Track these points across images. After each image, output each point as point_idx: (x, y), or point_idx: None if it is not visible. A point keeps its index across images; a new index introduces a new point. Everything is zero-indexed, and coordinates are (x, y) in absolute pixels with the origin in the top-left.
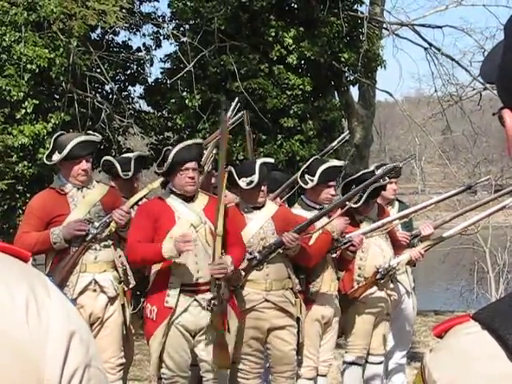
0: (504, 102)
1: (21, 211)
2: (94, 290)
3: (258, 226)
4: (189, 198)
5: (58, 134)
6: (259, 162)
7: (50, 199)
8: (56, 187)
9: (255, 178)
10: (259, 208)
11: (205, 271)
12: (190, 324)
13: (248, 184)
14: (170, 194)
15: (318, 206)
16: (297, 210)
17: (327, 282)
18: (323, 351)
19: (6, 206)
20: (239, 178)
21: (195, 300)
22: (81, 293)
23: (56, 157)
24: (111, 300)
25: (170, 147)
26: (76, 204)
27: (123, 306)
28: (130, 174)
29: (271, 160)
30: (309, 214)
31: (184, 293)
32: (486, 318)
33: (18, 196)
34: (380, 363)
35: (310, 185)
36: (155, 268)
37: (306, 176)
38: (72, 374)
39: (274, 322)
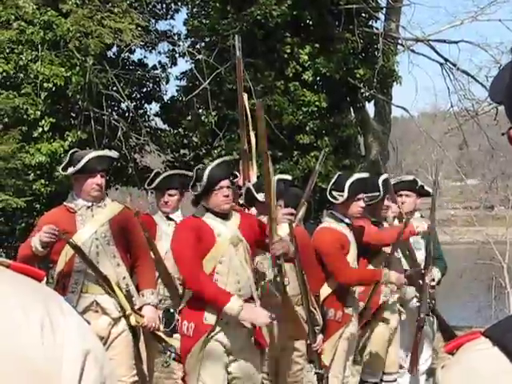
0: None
1: None
2: (96, 311)
3: None
4: (224, 216)
5: (73, 150)
6: (276, 177)
7: (59, 217)
8: (67, 205)
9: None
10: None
11: (245, 289)
12: (228, 341)
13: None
14: (205, 212)
15: (346, 220)
16: (329, 223)
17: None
18: (347, 368)
19: (23, 224)
20: (257, 193)
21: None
22: (82, 313)
23: (71, 169)
24: (116, 320)
25: (200, 166)
26: (84, 223)
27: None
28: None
29: (288, 177)
30: (340, 227)
31: None
32: (496, 335)
33: (35, 214)
34: (394, 381)
35: (341, 200)
36: None
37: (334, 192)
38: None
39: (286, 344)
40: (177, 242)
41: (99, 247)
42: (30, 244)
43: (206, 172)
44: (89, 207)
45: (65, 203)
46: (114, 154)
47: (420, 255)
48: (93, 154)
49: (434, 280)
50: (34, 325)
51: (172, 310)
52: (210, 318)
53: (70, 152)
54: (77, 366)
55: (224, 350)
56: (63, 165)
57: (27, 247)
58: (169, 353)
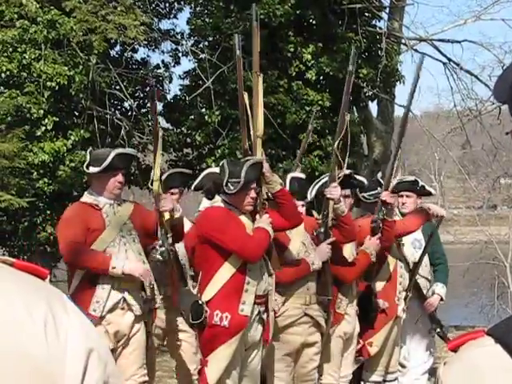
0: None
1: (41, 228)
2: (122, 308)
3: (299, 241)
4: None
5: (89, 150)
6: (290, 175)
7: (85, 212)
8: (88, 202)
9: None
10: None
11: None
12: (249, 336)
13: None
14: (228, 205)
15: None
16: None
17: (349, 300)
18: (343, 366)
19: (26, 223)
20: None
21: (259, 312)
22: (111, 310)
23: (95, 168)
24: (137, 318)
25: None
26: (110, 220)
27: (146, 323)
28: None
29: (302, 175)
30: None
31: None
32: (499, 333)
33: (38, 213)
34: (395, 380)
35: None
36: (224, 274)
37: None
38: None
39: (307, 339)
40: (223, 233)
41: (127, 245)
42: (107, 261)
43: (243, 172)
44: (111, 205)
45: (86, 200)
46: (134, 151)
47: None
48: (115, 152)
49: (442, 300)
50: (38, 323)
51: (200, 302)
52: (246, 309)
53: (89, 150)
54: (80, 364)
55: (244, 344)
56: (85, 164)
57: (103, 263)
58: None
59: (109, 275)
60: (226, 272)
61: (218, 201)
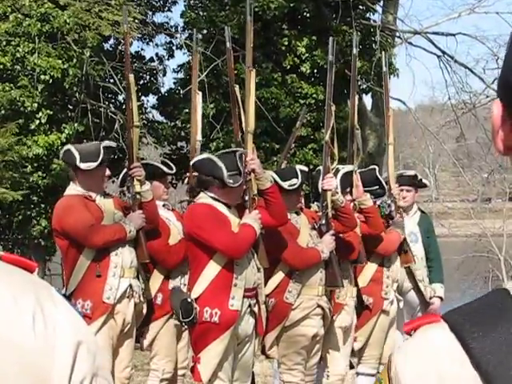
0: (497, 93)
1: (35, 222)
2: (128, 297)
3: (307, 232)
4: (228, 205)
5: (67, 147)
6: (298, 167)
7: (82, 201)
8: (80, 194)
9: (297, 181)
10: (297, 213)
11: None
12: (241, 330)
13: (290, 186)
14: (214, 201)
15: None
16: None
17: (348, 290)
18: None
19: (20, 217)
20: (283, 181)
21: (249, 305)
22: (120, 298)
23: (90, 164)
24: (136, 305)
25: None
26: (104, 210)
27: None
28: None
29: (305, 168)
30: None
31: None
32: (453, 320)
33: (32, 207)
34: None
35: None
36: (211, 270)
37: None
38: (79, 383)
39: (319, 331)
40: (205, 230)
41: None
42: (122, 228)
43: (239, 163)
44: (101, 196)
45: (76, 193)
46: (114, 143)
47: (417, 248)
48: (103, 145)
49: (441, 299)
50: (26, 315)
51: (189, 300)
52: (236, 304)
53: (74, 147)
54: (69, 357)
55: (236, 338)
56: (77, 160)
57: (120, 231)
58: None
59: (114, 263)
60: (212, 269)
61: (202, 197)
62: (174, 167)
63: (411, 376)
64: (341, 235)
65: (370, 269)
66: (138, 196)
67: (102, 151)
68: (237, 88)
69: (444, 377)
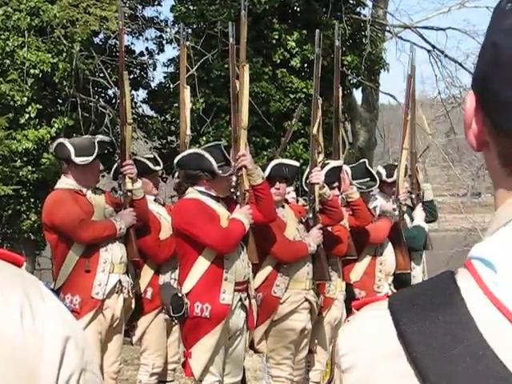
0: (471, 85)
1: (25, 216)
2: (117, 292)
3: (294, 226)
4: (217, 199)
5: (60, 140)
6: (278, 161)
7: (72, 195)
8: (71, 188)
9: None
10: (283, 206)
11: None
12: (232, 324)
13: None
14: (203, 195)
15: None
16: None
17: (337, 285)
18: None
19: (10, 211)
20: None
21: (240, 299)
22: (109, 294)
23: (86, 158)
24: (124, 302)
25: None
26: (95, 205)
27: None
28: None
29: (296, 163)
30: None
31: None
32: (393, 300)
33: (22, 201)
34: None
35: None
36: (201, 265)
37: None
38: (67, 378)
39: (307, 325)
40: (194, 225)
41: None
42: (113, 225)
43: (226, 154)
44: (92, 191)
45: (68, 187)
46: (108, 138)
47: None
48: (97, 140)
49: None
50: (13, 309)
51: (180, 295)
52: (227, 298)
53: (67, 141)
54: (57, 351)
55: (227, 332)
56: (72, 155)
57: (111, 228)
58: None
59: (103, 259)
60: (202, 264)
61: (190, 192)
62: (161, 163)
63: (344, 351)
64: (329, 229)
65: (362, 263)
66: (129, 193)
67: (96, 146)
68: (237, 83)
69: (375, 353)
